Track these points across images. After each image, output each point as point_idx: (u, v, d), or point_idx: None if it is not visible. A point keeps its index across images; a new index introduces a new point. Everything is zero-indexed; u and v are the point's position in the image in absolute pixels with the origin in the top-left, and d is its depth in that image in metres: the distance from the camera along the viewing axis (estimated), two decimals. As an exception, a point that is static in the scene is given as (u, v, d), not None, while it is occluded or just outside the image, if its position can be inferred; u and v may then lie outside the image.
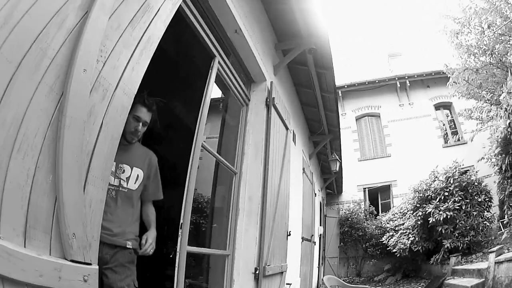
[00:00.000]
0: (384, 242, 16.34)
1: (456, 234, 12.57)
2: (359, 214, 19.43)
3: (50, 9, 1.56)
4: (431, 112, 22.43)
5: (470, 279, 9.99)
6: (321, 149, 12.90)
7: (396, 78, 23.38)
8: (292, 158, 7.48)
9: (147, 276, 5.28)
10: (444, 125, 22.59)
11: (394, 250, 15.22)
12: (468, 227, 12.39)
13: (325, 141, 12.04)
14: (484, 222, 12.95)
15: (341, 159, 14.52)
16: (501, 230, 13.11)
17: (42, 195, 1.45)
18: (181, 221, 3.22)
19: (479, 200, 12.91)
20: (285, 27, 6.46)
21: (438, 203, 13.18)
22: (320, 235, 15.57)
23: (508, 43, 13.28)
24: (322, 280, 10.61)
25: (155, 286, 5.20)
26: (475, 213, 12.60)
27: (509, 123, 9.01)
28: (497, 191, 11.28)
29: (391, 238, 15.78)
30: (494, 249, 9.47)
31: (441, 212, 12.72)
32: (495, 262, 8.83)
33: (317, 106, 9.42)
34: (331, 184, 19.01)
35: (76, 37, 1.68)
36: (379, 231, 17.82)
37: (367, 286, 14.92)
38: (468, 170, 15.19)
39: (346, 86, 23.87)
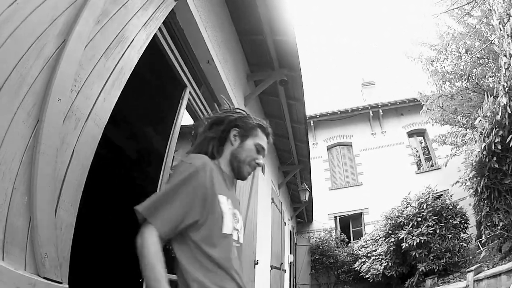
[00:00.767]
0: (356, 268, 16.46)
1: (431, 257, 12.70)
2: (330, 242, 19.41)
3: (33, 33, 1.61)
4: (404, 140, 22.73)
5: (448, 299, 10.11)
6: (291, 178, 12.98)
7: (369, 107, 23.67)
8: (260, 188, 7.54)
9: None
10: (417, 152, 22.86)
11: (367, 276, 15.31)
12: (443, 250, 12.54)
13: (295, 171, 12.15)
14: (461, 243, 13.13)
15: (311, 188, 14.59)
16: (480, 249, 13.27)
17: (18, 215, 1.49)
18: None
19: (454, 222, 13.11)
20: (258, 58, 6.59)
21: (411, 228, 13.34)
22: (291, 263, 15.55)
23: (487, 66, 13.59)
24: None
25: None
26: (450, 235, 12.78)
27: (484, 147, 9.21)
28: (474, 213, 11.46)
29: (364, 264, 15.89)
30: (472, 268, 9.60)
31: (414, 237, 12.88)
32: (474, 280, 8.95)
33: (288, 136, 9.52)
34: (302, 213, 19.06)
35: (53, 65, 1.72)
36: (351, 258, 17.89)
37: None
38: (442, 194, 15.49)
39: (318, 116, 24.10)
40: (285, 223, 13.27)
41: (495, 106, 8.89)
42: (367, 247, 16.81)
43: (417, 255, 12.91)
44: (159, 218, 1.70)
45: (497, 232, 9.78)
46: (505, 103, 8.31)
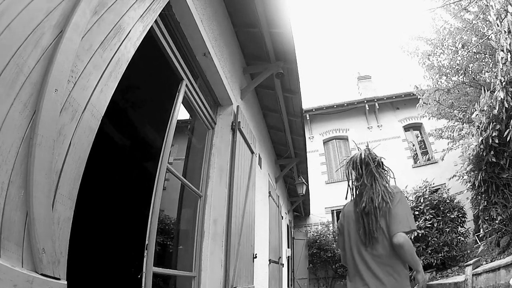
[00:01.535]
0: (354, 262, 16.45)
1: (429, 251, 12.76)
2: (328, 235, 19.45)
3: (29, 25, 1.59)
4: (400, 134, 22.81)
5: (447, 293, 10.13)
6: (288, 172, 12.98)
7: (365, 101, 23.74)
8: (257, 182, 7.54)
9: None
10: (413, 146, 22.95)
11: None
12: (441, 244, 12.59)
13: (291, 165, 12.14)
14: (458, 237, 13.19)
15: (307, 182, 14.60)
16: (478, 243, 13.32)
17: (15, 209, 1.47)
18: (147, 241, 3.20)
19: (452, 216, 13.20)
20: (254, 51, 6.59)
21: (408, 222, 13.33)
22: (288, 257, 15.56)
23: (483, 61, 13.60)
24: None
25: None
26: (448, 229, 12.85)
27: (482, 141, 9.21)
28: (471, 207, 11.48)
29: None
30: (471, 262, 9.64)
31: (411, 231, 12.88)
32: (473, 274, 8.97)
33: (284, 130, 9.54)
34: (299, 207, 19.08)
35: (50, 56, 1.70)
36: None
37: None
38: (439, 188, 15.48)
39: (314, 110, 24.12)
40: (282, 217, 13.28)
41: (492, 100, 8.89)
42: (364, 241, 16.83)
43: (415, 249, 12.94)
44: (413, 226, 2.97)
45: (495, 226, 9.79)
46: (502, 98, 8.31)
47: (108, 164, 6.32)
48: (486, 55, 13.29)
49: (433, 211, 13.33)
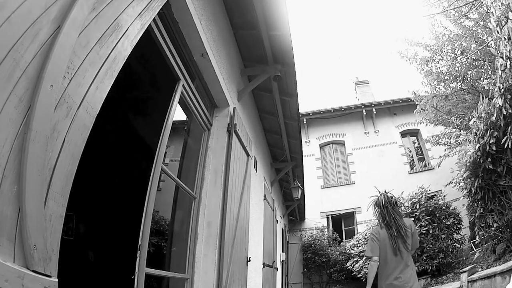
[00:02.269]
0: (348, 267, 16.53)
1: (424, 257, 12.73)
2: (323, 240, 19.48)
3: (28, 19, 1.58)
4: (397, 140, 22.89)
5: (441, 300, 10.13)
6: (283, 176, 12.97)
7: (363, 106, 23.84)
8: (252, 185, 7.53)
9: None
10: (410, 152, 23.03)
11: (360, 275, 15.35)
12: (436, 250, 12.57)
13: (287, 168, 12.14)
14: (454, 244, 13.18)
15: (303, 186, 14.60)
16: (473, 250, 13.32)
17: (8, 204, 1.45)
18: (140, 242, 3.18)
19: (448, 223, 13.16)
20: (252, 53, 6.60)
21: (403, 228, 13.30)
22: (283, 261, 15.54)
23: (482, 67, 13.63)
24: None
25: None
26: (443, 236, 12.81)
27: (479, 147, 9.24)
28: (467, 214, 11.50)
29: (356, 263, 15.94)
30: (466, 268, 9.63)
31: (407, 237, 12.86)
32: (468, 281, 8.97)
33: (280, 133, 9.54)
34: (294, 211, 19.08)
35: (47, 51, 1.68)
36: (343, 257, 17.97)
37: None
38: (435, 195, 15.47)
39: (311, 114, 24.17)
40: (277, 220, 13.27)
41: (490, 107, 8.92)
42: (359, 246, 16.82)
43: (410, 255, 12.93)
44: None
45: (491, 233, 9.80)
46: (501, 105, 8.33)
47: (102, 164, 6.30)
48: (485, 62, 13.34)
49: (428, 217, 13.32)
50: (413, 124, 21.39)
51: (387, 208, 5.45)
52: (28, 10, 1.58)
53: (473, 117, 9.86)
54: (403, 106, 22.75)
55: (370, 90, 28.36)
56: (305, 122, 23.87)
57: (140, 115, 6.54)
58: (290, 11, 6.31)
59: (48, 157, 1.73)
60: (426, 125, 16.93)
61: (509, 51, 8.20)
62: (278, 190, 14.53)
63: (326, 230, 20.95)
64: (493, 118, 8.64)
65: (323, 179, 23.08)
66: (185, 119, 5.60)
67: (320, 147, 24.24)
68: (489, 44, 11.71)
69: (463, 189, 11.06)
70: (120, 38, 2.34)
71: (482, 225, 10.17)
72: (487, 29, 12.54)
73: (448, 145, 15.48)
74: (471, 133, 10.00)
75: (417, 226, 12.97)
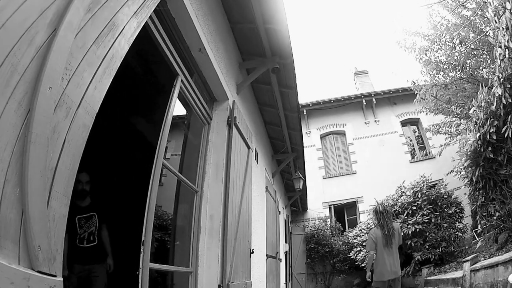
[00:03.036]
0: (352, 257, 16.47)
1: (427, 246, 12.68)
2: (325, 230, 19.50)
3: (24, 23, 1.59)
4: (398, 129, 22.87)
5: (445, 289, 10.16)
6: (285, 167, 12.99)
7: (362, 96, 23.82)
8: (254, 177, 7.55)
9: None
10: (411, 141, 23.02)
11: (363, 265, 15.32)
12: (439, 239, 12.52)
13: (288, 160, 12.14)
14: (456, 233, 13.14)
15: (305, 177, 14.63)
16: (476, 239, 13.32)
17: (11, 207, 1.47)
18: (143, 238, 3.20)
19: (450, 212, 13.12)
20: (250, 46, 6.59)
21: (405, 217, 13.31)
22: (286, 252, 15.59)
23: (481, 57, 13.60)
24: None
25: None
26: (445, 225, 12.76)
27: (479, 136, 9.21)
28: (469, 203, 11.49)
29: (359, 253, 15.88)
30: (469, 257, 9.60)
31: (409, 226, 12.85)
32: (471, 270, 8.96)
33: (280, 125, 9.55)
34: (296, 202, 19.12)
35: (44, 54, 1.70)
36: (346, 246, 17.97)
37: None
38: (436, 183, 15.41)
39: (311, 105, 24.13)
40: (279, 212, 13.31)
41: (489, 96, 8.89)
42: (362, 235, 16.81)
43: (412, 244, 12.92)
44: None
45: (493, 223, 9.79)
46: (500, 94, 8.31)
47: (102, 161, 6.33)
48: (484, 52, 13.31)
49: (430, 206, 13.28)
50: (413, 113, 21.42)
51: (382, 214, 7.56)
52: (23, 15, 1.59)
53: (473, 106, 9.83)
54: (403, 96, 22.74)
55: (370, 80, 28.33)
56: (305, 113, 23.85)
57: (140, 111, 6.55)
58: (287, 2, 6.31)
59: (50, 158, 1.74)
60: (426, 114, 16.90)
61: (508, 41, 8.17)
62: (280, 181, 14.56)
63: (328, 220, 20.98)
64: (493, 107, 8.63)
65: (325, 170, 23.09)
66: (185, 113, 5.62)
67: (320, 138, 24.24)
68: (487, 34, 11.69)
69: (464, 178, 11.04)
70: (117, 37, 2.35)
71: (484, 214, 10.16)
72: (485, 19, 12.48)
73: (448, 134, 15.49)
74: (471, 122, 9.98)
75: (419, 215, 12.97)
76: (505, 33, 8.29)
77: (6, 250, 1.44)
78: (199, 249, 4.78)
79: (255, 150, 8.30)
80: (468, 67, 14.05)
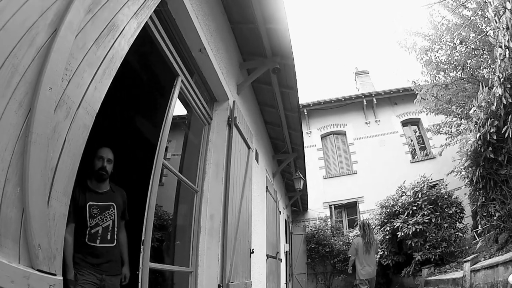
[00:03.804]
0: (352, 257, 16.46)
1: (427, 247, 12.69)
2: (326, 230, 19.45)
3: (24, 24, 1.60)
4: (398, 129, 22.78)
5: (445, 289, 10.16)
6: (285, 167, 12.99)
7: (363, 96, 23.73)
8: (254, 177, 7.56)
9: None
10: (412, 141, 22.94)
11: (363, 265, 15.36)
12: (439, 239, 12.52)
13: (289, 160, 12.15)
14: (457, 233, 13.16)
15: (305, 177, 14.62)
16: (476, 239, 13.29)
17: (11, 206, 1.49)
18: (143, 237, 3.22)
19: (450, 212, 13.14)
20: (251, 46, 6.60)
21: (406, 217, 13.34)
22: (286, 252, 15.58)
23: (481, 57, 13.58)
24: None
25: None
26: (446, 225, 12.77)
27: (480, 136, 9.21)
28: (469, 203, 11.48)
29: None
30: (469, 258, 9.59)
31: (409, 226, 12.88)
32: (471, 271, 8.95)
33: (281, 125, 9.55)
34: (296, 202, 19.09)
35: (44, 55, 1.71)
36: (346, 246, 17.90)
37: None
38: (437, 184, 15.44)
39: (311, 105, 24.07)
40: (280, 212, 13.31)
41: (490, 96, 8.89)
42: (362, 235, 16.85)
43: (413, 244, 12.94)
44: None
45: (493, 223, 9.78)
46: (501, 94, 8.31)
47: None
48: (484, 52, 13.28)
49: (431, 206, 13.29)
50: (414, 114, 21.38)
51: (367, 227, 9.42)
52: (24, 17, 1.61)
53: (473, 106, 9.82)
54: (404, 96, 22.66)
55: (370, 80, 28.30)
56: (305, 113, 23.82)
57: (140, 111, 6.56)
58: (287, 2, 6.32)
59: (50, 157, 1.76)
60: (427, 114, 16.87)
61: (508, 41, 8.17)
62: (280, 181, 14.56)
63: (329, 220, 20.95)
64: (493, 107, 8.62)
65: (325, 170, 23.06)
66: (185, 114, 5.63)
67: (321, 138, 24.19)
68: (487, 34, 11.68)
69: (464, 178, 11.03)
70: (117, 38, 2.36)
71: (484, 214, 10.15)
72: (486, 19, 12.45)
73: (449, 134, 15.46)
74: (472, 122, 9.97)
75: (419, 215, 12.99)
76: (506, 33, 8.29)
77: (7, 249, 1.45)
78: (199, 249, 4.80)
79: (256, 150, 8.31)
80: (468, 67, 14.04)
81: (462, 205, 13.59)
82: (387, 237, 14.36)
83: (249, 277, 6.31)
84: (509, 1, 8.16)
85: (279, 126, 9.76)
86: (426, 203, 13.38)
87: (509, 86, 8.21)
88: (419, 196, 13.66)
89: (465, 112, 13.60)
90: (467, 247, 13.47)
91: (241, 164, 6.25)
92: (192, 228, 4.84)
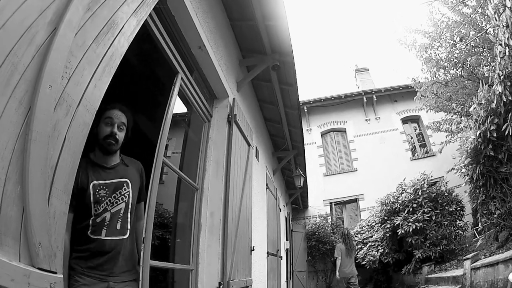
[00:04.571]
0: (352, 255, 16.51)
1: (427, 244, 12.72)
2: (326, 228, 19.49)
3: (24, 23, 1.61)
4: (399, 126, 22.83)
5: (445, 287, 10.18)
6: (286, 164, 13.00)
7: (363, 93, 23.74)
8: (254, 174, 7.56)
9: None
10: (412, 138, 22.96)
11: (364, 263, 15.42)
12: (439, 237, 12.54)
13: (289, 157, 12.16)
14: (457, 231, 13.15)
15: (305, 174, 14.62)
16: (476, 237, 13.30)
17: (12, 204, 1.49)
18: (143, 235, 3.21)
19: (450, 209, 13.14)
20: (250, 43, 6.60)
21: (406, 215, 13.37)
22: (287, 249, 15.59)
23: (481, 54, 13.59)
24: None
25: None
26: (446, 222, 12.80)
27: (480, 134, 9.20)
28: (469, 200, 11.48)
29: (360, 250, 15.97)
30: (469, 256, 9.61)
31: (410, 224, 12.91)
32: (471, 269, 8.97)
33: (281, 122, 9.55)
34: (297, 199, 19.09)
35: (44, 53, 1.72)
36: (347, 245, 17.94)
37: None
38: (437, 181, 15.53)
39: (311, 102, 24.08)
40: (280, 209, 13.31)
41: (490, 94, 8.88)
42: (363, 233, 16.91)
43: (413, 242, 12.96)
44: None
45: (494, 221, 9.77)
46: (500, 92, 8.30)
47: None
48: (484, 49, 13.28)
49: (431, 204, 13.31)
50: (414, 111, 21.34)
51: (346, 235, 11.12)
52: (23, 15, 1.61)
53: (473, 103, 9.82)
54: (404, 93, 22.68)
55: (370, 77, 28.32)
56: (305, 110, 23.83)
57: (140, 109, 6.56)
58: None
59: (50, 155, 1.76)
60: (427, 111, 16.92)
61: (508, 38, 8.17)
62: (280, 178, 14.58)
63: (329, 217, 20.99)
64: (493, 105, 8.62)
65: (325, 167, 23.08)
66: (185, 111, 5.62)
67: (321, 135, 24.21)
68: (487, 31, 11.67)
69: (464, 175, 11.02)
70: (117, 36, 2.36)
71: (485, 212, 10.14)
72: (485, 16, 12.46)
73: (449, 132, 15.50)
74: (472, 120, 9.97)
75: (420, 213, 13.03)
76: (505, 30, 8.28)
77: (7, 247, 1.45)
78: (200, 247, 4.80)
79: (256, 148, 8.32)
80: (468, 65, 14.04)
81: (462, 202, 13.58)
82: (388, 234, 14.39)
83: (250, 275, 6.32)
84: (508, -1, 8.15)
85: (279, 123, 9.76)
86: (426, 200, 13.40)
87: (509, 83, 8.20)
88: (419, 193, 13.67)
89: (465, 110, 13.61)
90: (467, 245, 13.48)
91: (241, 161, 6.25)
92: (193, 226, 4.84)
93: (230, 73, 6.05)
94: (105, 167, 2.92)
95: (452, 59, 14.37)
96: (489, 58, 12.95)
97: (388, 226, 14.16)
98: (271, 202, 10.72)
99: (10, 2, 1.53)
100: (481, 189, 10.05)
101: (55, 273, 1.75)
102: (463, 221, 13.83)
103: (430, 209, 13.10)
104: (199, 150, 5.34)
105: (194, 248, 4.74)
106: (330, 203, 21.83)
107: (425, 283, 11.90)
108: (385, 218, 14.60)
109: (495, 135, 8.73)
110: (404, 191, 14.46)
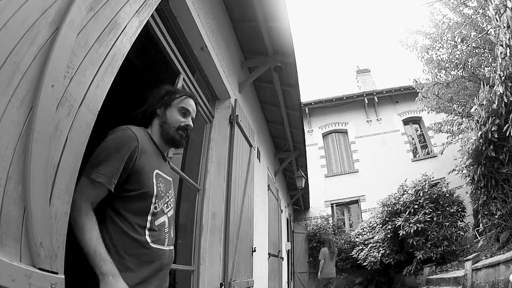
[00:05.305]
0: (354, 256, 16.57)
1: (429, 245, 12.77)
2: (328, 229, 19.48)
3: (26, 23, 1.60)
4: (400, 127, 22.85)
5: (446, 288, 10.17)
6: (287, 165, 13.00)
7: (364, 94, 23.78)
8: (256, 175, 7.56)
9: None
10: (413, 139, 22.99)
11: (365, 263, 15.45)
12: (441, 238, 12.60)
13: (290, 158, 12.16)
14: (458, 232, 13.20)
15: (307, 175, 14.63)
16: (477, 238, 13.30)
17: (13, 204, 1.48)
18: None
19: (451, 211, 13.21)
20: (252, 45, 6.59)
21: (407, 216, 13.42)
22: (288, 250, 15.60)
23: (482, 55, 13.59)
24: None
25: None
26: (447, 223, 12.86)
27: (481, 135, 9.20)
28: (471, 201, 11.48)
29: (361, 251, 16.02)
30: (470, 257, 9.63)
31: (411, 225, 12.97)
32: (472, 270, 8.98)
33: (282, 123, 9.55)
34: (298, 200, 19.10)
35: (46, 52, 1.71)
36: (348, 245, 18.00)
37: None
38: (438, 182, 15.50)
39: (313, 103, 24.11)
40: (282, 210, 13.33)
41: (491, 95, 8.88)
42: (364, 234, 16.92)
43: (414, 243, 12.98)
44: None
45: (495, 222, 9.78)
46: (502, 92, 8.30)
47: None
48: (485, 50, 13.29)
49: (432, 205, 13.34)
50: (415, 112, 21.36)
51: (330, 240, 13.47)
52: (25, 14, 1.60)
53: (474, 104, 9.82)
54: (405, 94, 22.68)
55: (371, 79, 28.34)
56: (307, 111, 23.87)
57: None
58: (289, 1, 6.32)
59: (52, 155, 1.75)
60: (428, 112, 16.91)
61: (509, 39, 8.17)
62: (282, 180, 14.57)
63: (330, 218, 21.00)
64: (495, 106, 8.62)
65: (327, 168, 23.10)
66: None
67: (323, 136, 24.25)
68: (488, 32, 11.66)
69: (466, 176, 11.03)
70: (119, 36, 2.35)
71: (486, 213, 10.15)
72: (486, 17, 12.47)
73: (450, 133, 15.49)
74: (473, 121, 9.97)
75: (421, 214, 13.07)
76: (506, 31, 8.28)
77: (8, 247, 1.44)
78: (201, 247, 4.80)
79: (257, 149, 8.32)
80: (469, 66, 14.05)
81: (463, 203, 13.63)
82: (389, 235, 14.42)
83: (251, 276, 6.31)
84: (509, 0, 8.15)
85: (280, 124, 9.76)
86: (427, 201, 13.44)
87: (510, 84, 8.20)
88: (421, 194, 13.71)
89: (466, 111, 13.62)
90: (468, 246, 13.49)
91: (243, 162, 6.25)
92: (194, 227, 4.85)
93: (232, 74, 6.05)
94: (165, 158, 2.51)
95: (453, 60, 14.37)
96: (490, 59, 12.94)
97: (390, 227, 14.19)
98: (273, 203, 10.71)
99: (12, 2, 1.53)
100: (482, 190, 10.05)
101: (56, 273, 1.73)
102: (464, 222, 13.86)
103: (431, 210, 13.13)
104: (201, 151, 5.34)
105: (196, 249, 4.75)
106: (332, 204, 21.85)
107: (426, 284, 11.90)
108: (386, 219, 14.63)
109: (496, 136, 8.73)
110: (405, 192, 14.50)
